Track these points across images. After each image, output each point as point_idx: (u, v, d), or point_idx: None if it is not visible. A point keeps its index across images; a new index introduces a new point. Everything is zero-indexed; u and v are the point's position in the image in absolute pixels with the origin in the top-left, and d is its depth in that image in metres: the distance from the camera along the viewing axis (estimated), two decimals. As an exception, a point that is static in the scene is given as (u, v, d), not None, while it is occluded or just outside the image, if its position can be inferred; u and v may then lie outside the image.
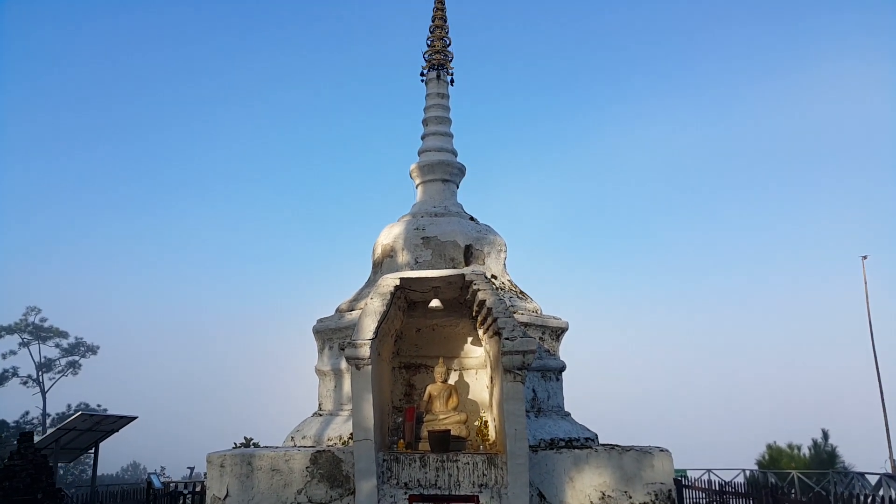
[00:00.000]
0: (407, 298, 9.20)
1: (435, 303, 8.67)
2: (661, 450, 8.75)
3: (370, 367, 7.84)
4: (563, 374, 10.64)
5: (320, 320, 10.45)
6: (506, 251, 11.23)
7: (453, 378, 9.43)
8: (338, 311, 10.50)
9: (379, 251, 10.85)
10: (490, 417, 8.93)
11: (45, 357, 48.81)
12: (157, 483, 12.67)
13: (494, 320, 8.02)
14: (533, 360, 7.83)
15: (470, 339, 9.56)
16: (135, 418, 17.92)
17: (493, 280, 10.03)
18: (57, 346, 49.73)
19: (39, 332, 48.95)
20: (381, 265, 10.72)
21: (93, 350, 51.62)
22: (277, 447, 9.44)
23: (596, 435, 9.97)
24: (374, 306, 8.09)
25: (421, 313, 9.46)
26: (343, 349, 7.92)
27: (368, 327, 7.97)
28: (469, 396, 9.41)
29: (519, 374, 7.77)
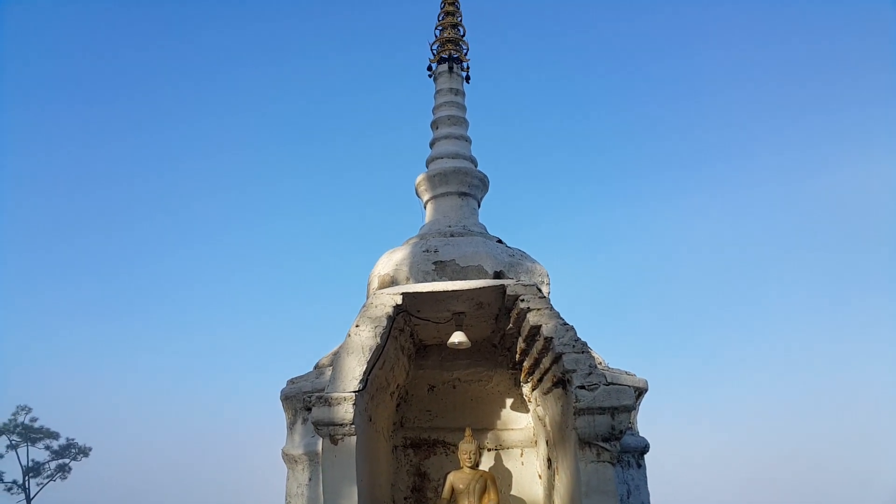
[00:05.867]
0: (414, 337, 6.12)
1: (458, 337, 5.57)
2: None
3: (354, 438, 4.72)
4: (646, 456, 7.33)
5: (292, 381, 7.28)
6: (549, 284, 8.15)
7: (487, 461, 6.19)
8: (317, 367, 7.36)
9: (376, 284, 7.82)
10: (549, 525, 5.64)
11: (33, 460, 46.11)
12: None
13: (557, 358, 4.90)
14: (627, 424, 4.68)
15: (510, 401, 6.40)
16: None
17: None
18: (47, 447, 47.00)
19: (29, 434, 46.28)
20: (380, 304, 7.64)
21: (84, 452, 48.66)
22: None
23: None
24: (363, 339, 5.02)
25: (436, 361, 6.36)
26: (310, 409, 4.79)
27: (352, 372, 4.88)
28: (513, 491, 6.14)
29: (606, 448, 4.58)
